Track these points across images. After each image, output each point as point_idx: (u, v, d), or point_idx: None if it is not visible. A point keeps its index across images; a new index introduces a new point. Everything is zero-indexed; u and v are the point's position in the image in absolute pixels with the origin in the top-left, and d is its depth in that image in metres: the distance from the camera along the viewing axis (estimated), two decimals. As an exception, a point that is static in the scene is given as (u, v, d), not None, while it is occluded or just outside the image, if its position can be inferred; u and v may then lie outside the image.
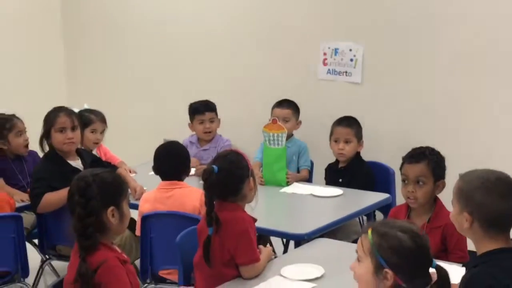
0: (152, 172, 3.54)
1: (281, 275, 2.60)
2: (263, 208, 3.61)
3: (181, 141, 4.52)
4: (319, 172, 4.26)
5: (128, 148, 4.64)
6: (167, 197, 3.26)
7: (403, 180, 2.92)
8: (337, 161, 4.11)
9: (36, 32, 5.67)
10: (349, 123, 4.06)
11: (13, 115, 4.00)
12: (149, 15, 5.40)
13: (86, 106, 4.21)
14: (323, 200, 3.63)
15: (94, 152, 4.20)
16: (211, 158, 4.40)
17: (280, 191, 3.78)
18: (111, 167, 3.71)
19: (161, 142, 5.14)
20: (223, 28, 5.04)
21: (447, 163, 4.16)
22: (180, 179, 3.34)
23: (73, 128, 3.51)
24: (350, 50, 4.51)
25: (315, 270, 2.63)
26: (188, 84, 5.22)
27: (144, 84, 5.52)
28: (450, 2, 4.17)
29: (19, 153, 3.98)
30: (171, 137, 5.02)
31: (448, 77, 4.22)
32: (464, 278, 1.98)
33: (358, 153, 4.06)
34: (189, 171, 3.45)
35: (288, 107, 4.28)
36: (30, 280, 3.57)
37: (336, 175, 4.05)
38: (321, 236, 3.23)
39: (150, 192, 3.43)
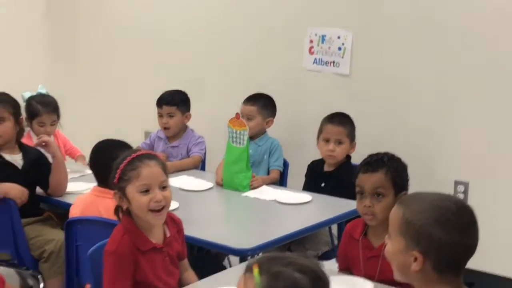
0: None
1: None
2: (214, 215, 3.20)
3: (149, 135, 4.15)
4: (300, 174, 3.81)
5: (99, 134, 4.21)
6: (95, 207, 2.80)
7: (359, 193, 2.44)
8: (322, 161, 3.63)
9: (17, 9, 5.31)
10: (342, 121, 3.56)
11: None
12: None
13: (40, 88, 3.80)
14: (288, 208, 3.18)
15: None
16: (181, 156, 4.02)
17: (242, 195, 3.34)
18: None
19: (135, 130, 4.83)
20: (200, 14, 4.59)
21: (446, 167, 3.75)
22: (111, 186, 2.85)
23: None
24: (339, 37, 4.03)
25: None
26: (167, 72, 4.80)
27: (124, 67, 5.10)
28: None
29: None
30: (148, 127, 4.69)
31: (448, 68, 3.71)
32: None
33: (348, 157, 3.58)
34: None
35: (253, 103, 3.78)
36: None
37: (319, 178, 3.57)
38: (289, 246, 2.82)
39: (82, 196, 3.02)
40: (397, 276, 1.72)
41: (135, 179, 2.22)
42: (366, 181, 2.39)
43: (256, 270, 1.42)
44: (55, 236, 3.13)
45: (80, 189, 3.33)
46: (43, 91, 3.84)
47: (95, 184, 3.32)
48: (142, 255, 2.25)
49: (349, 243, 2.50)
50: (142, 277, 2.25)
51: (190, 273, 2.44)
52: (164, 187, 2.27)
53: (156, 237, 2.30)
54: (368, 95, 3.98)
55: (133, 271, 2.22)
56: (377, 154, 2.43)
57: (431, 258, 1.63)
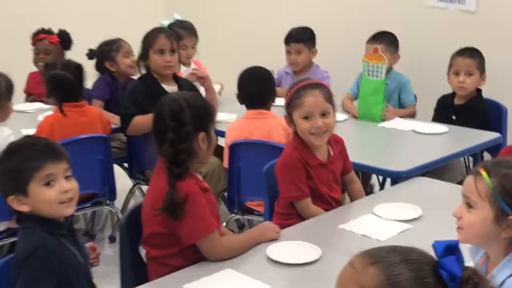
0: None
1: (374, 214, 2.41)
2: (359, 142, 3.41)
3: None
4: (425, 108, 3.93)
5: (223, 70, 4.42)
6: (254, 127, 3.07)
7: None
8: (452, 95, 3.73)
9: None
10: (472, 53, 3.66)
11: (119, 38, 3.94)
12: None
13: (176, 16, 4.02)
14: (426, 137, 3.34)
15: (192, 66, 4.05)
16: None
17: (379, 126, 3.52)
18: None
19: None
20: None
21: None
22: (267, 107, 3.13)
23: (172, 51, 3.38)
24: (464, -27, 4.08)
25: (412, 211, 2.42)
26: (289, 11, 4.95)
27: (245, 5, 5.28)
28: None
29: (127, 74, 3.90)
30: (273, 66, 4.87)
31: None
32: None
33: (479, 90, 3.66)
34: (274, 98, 3.21)
35: (380, 41, 3.85)
36: (119, 203, 3.57)
37: (450, 111, 3.68)
38: (423, 175, 2.99)
39: (236, 122, 3.29)
40: None
41: (299, 106, 2.45)
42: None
43: (484, 173, 1.61)
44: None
45: (226, 119, 3.58)
46: (179, 17, 4.06)
47: (234, 115, 3.58)
48: (310, 168, 2.49)
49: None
50: (312, 185, 2.49)
51: (357, 185, 2.67)
52: (324, 114, 2.45)
53: (322, 154, 2.54)
54: (495, 32, 4.03)
55: (306, 177, 2.46)
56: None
57: None
